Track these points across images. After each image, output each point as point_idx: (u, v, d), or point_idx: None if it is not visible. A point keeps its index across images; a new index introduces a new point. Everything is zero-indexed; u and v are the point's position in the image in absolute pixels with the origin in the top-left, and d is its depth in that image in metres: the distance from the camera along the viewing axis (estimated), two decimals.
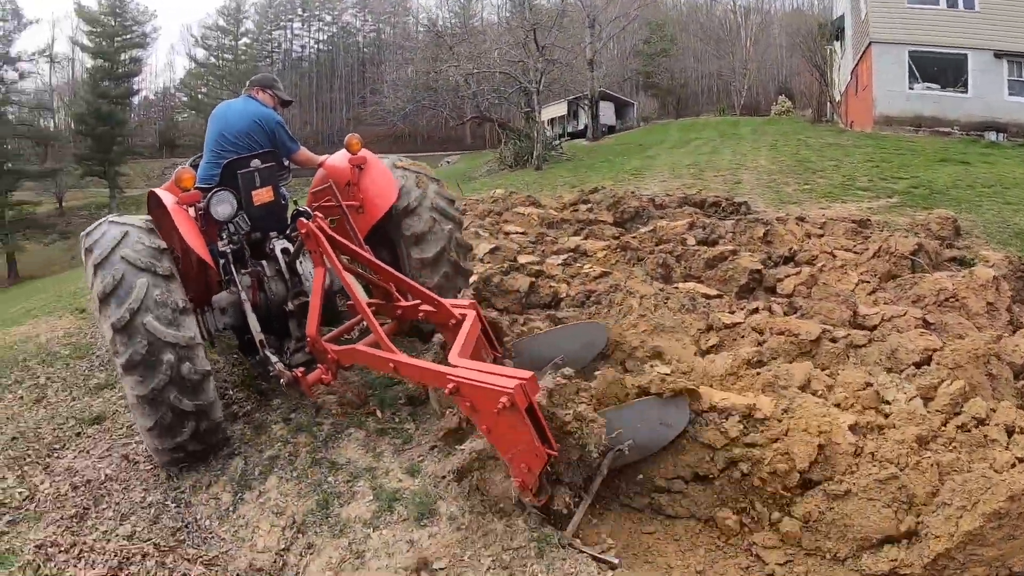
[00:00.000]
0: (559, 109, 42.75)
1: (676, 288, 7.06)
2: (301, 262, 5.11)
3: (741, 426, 4.28)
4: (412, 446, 4.90)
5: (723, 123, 39.48)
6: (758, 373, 5.03)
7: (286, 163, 5.35)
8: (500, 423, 3.31)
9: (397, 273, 4.71)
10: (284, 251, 5.03)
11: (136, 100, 63.44)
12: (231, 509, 4.53)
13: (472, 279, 7.03)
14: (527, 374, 3.37)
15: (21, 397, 7.03)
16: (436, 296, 4.48)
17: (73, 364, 7.65)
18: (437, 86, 27.12)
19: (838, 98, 35.32)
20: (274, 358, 4.58)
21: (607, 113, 43.10)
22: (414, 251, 5.48)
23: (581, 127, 40.94)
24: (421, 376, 3.89)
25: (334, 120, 76.43)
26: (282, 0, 79.03)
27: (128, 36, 55.04)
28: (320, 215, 4.81)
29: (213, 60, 70.72)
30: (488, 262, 7.81)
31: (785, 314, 6.42)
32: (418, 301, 4.58)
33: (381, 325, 4.49)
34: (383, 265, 4.75)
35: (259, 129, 5.12)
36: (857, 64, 29.54)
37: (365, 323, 4.63)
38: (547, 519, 3.85)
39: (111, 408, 6.18)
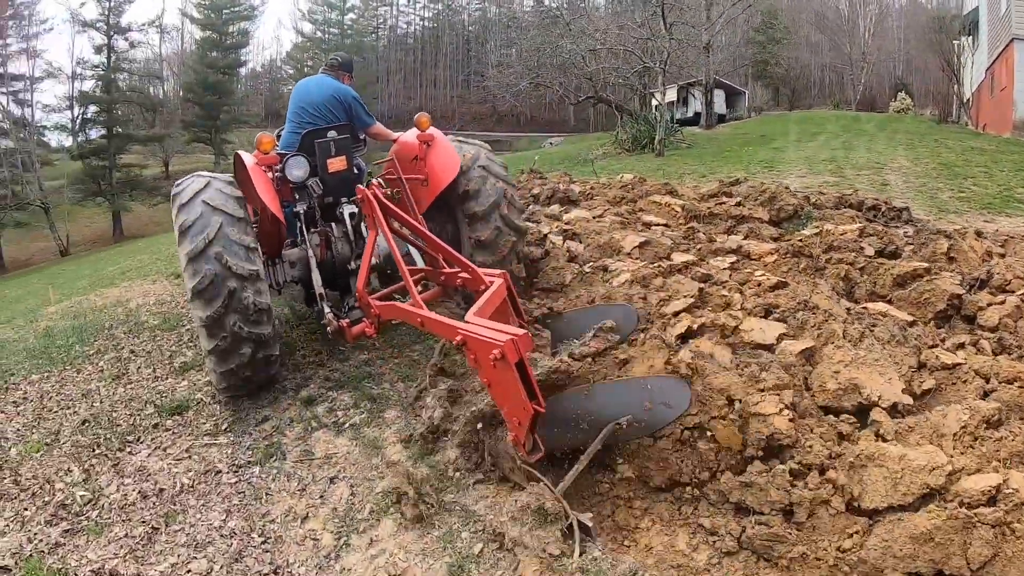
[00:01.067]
0: (669, 94, 40.48)
1: (865, 308, 5.84)
2: (366, 226, 5.25)
3: (999, 514, 3.20)
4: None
5: (842, 118, 36.57)
6: (1001, 438, 3.83)
7: (361, 136, 5.75)
8: (496, 376, 3.44)
9: (444, 244, 4.90)
10: (351, 215, 5.33)
11: (243, 71, 64.54)
12: (333, 557, 3.47)
13: (623, 277, 5.84)
14: (520, 331, 3.46)
15: (101, 370, 6.28)
16: (472, 265, 4.67)
17: (160, 337, 6.86)
18: (554, 62, 25.60)
19: (967, 97, 32.00)
20: (327, 309, 4.84)
21: (718, 101, 40.58)
22: (467, 206, 5.64)
23: (691, 114, 38.77)
24: (439, 330, 4.03)
25: (438, 97, 76.10)
26: None
27: (236, 8, 55.86)
28: (377, 183, 5.19)
29: (320, 34, 71.14)
30: (638, 258, 6.54)
31: (995, 353, 5.16)
32: (458, 269, 4.77)
33: (427, 289, 4.98)
34: (432, 236, 5.00)
35: (337, 103, 5.48)
36: (994, 62, 26.40)
37: (427, 285, 5.09)
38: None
39: (195, 396, 5.28)
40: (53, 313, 9.14)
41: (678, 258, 6.61)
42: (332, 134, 5.21)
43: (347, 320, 4.75)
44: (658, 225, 8.17)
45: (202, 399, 5.19)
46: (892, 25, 65.89)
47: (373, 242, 4.80)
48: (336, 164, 5.17)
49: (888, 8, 67.04)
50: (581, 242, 7.36)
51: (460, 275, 4.71)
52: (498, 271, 4.50)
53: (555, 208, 9.19)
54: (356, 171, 5.41)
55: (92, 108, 43.73)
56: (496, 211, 5.61)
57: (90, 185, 40.67)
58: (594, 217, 8.18)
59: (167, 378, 5.76)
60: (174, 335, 6.92)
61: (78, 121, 43.63)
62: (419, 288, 4.69)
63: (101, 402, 5.46)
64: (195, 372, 5.76)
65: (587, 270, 6.12)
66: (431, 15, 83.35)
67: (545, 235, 7.28)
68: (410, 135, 5.77)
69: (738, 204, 9.15)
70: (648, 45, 22.21)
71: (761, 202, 9.11)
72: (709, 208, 8.72)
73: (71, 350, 6.87)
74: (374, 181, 5.27)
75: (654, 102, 26.93)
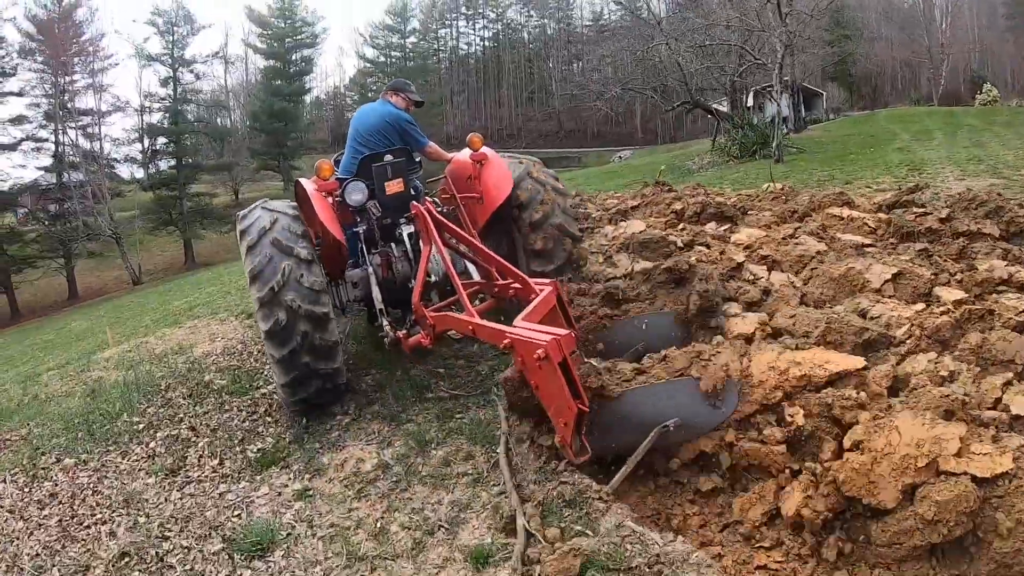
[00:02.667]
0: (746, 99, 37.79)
1: None
2: (422, 243, 5.27)
3: None
4: None
5: (935, 113, 33.29)
6: None
7: (417, 159, 5.77)
8: (541, 377, 3.42)
9: (497, 257, 4.89)
10: (410, 235, 5.37)
11: (308, 99, 64.51)
12: None
13: (901, 330, 3.90)
14: (563, 332, 3.48)
15: (152, 456, 4.68)
16: (524, 276, 4.63)
17: (228, 406, 5.23)
18: (645, 66, 23.52)
19: None
20: (386, 324, 4.88)
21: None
22: (523, 216, 5.69)
23: (768, 119, 36.20)
24: (489, 336, 3.97)
25: (502, 116, 75.26)
26: None
27: (298, 37, 55.91)
28: (430, 200, 5.51)
29: (382, 59, 70.03)
30: (892, 296, 4.54)
31: None
32: (511, 280, 4.77)
33: (482, 301, 5.05)
34: (486, 249, 5.00)
35: (389, 128, 5.54)
36: None
37: (482, 298, 5.16)
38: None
39: (282, 519, 3.51)
40: (108, 360, 7.84)
41: (946, 295, 4.61)
42: (388, 157, 5.30)
43: (404, 332, 4.80)
44: (866, 245, 6.18)
45: (292, 526, 3.41)
46: (966, 14, 62.11)
47: (427, 256, 4.90)
48: (393, 187, 5.25)
49: None
50: (783, 270, 5.44)
51: (512, 286, 4.73)
52: (548, 281, 4.44)
53: (712, 226, 7.27)
54: (413, 192, 5.44)
55: (160, 140, 43.97)
56: (559, 247, 5.65)
57: (161, 215, 40.66)
58: (784, 238, 6.20)
59: (239, 478, 4.04)
60: (246, 403, 5.26)
61: (148, 153, 43.84)
62: (475, 301, 4.82)
63: (148, 516, 3.79)
64: (277, 469, 4.03)
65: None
66: (491, 35, 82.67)
67: (741, 264, 5.40)
68: (463, 155, 5.88)
69: (948, 217, 7.06)
70: (758, 38, 19.98)
71: (985, 214, 7.00)
72: (926, 222, 6.66)
73: (117, 420, 5.35)
74: (428, 200, 5.48)
75: (749, 102, 24.72)
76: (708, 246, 6.15)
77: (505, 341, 3.61)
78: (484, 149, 5.75)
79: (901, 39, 60.96)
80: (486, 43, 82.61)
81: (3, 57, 36.46)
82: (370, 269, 5.24)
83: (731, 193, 9.85)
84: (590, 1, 78.86)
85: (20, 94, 37.35)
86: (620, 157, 49.08)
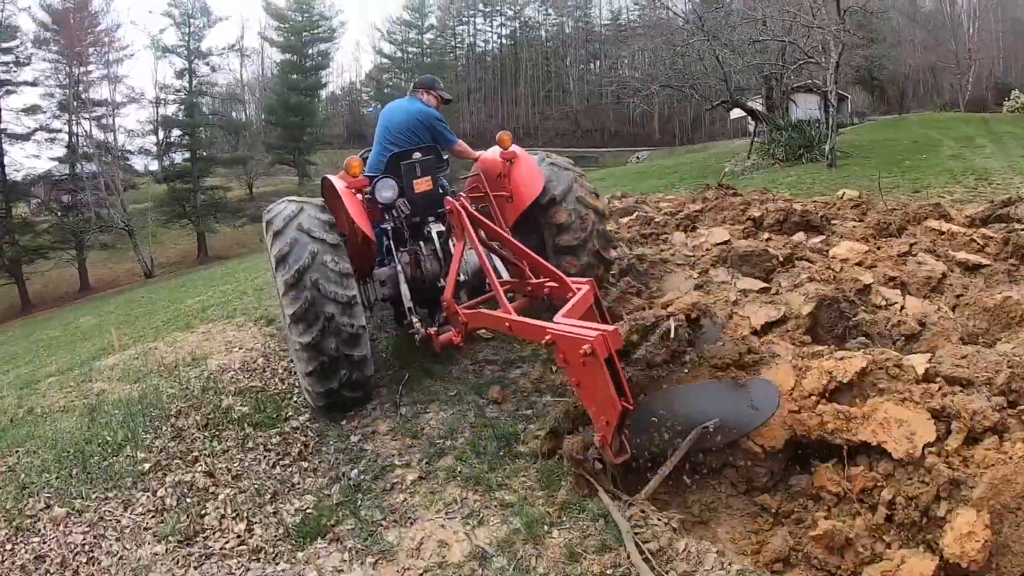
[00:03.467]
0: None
1: None
2: (454, 243, 5.27)
3: None
4: None
5: (969, 120, 32.32)
6: None
7: (445, 156, 5.78)
8: (585, 374, 3.32)
9: (531, 253, 4.81)
10: (439, 233, 5.37)
11: (324, 93, 63.91)
12: None
13: None
14: (610, 328, 3.36)
15: (160, 510, 3.80)
16: (560, 273, 4.56)
17: (252, 443, 4.36)
18: (680, 65, 22.55)
19: None
20: (416, 321, 4.89)
21: (814, 107, 36.92)
22: (559, 239, 5.62)
23: (793, 122, 35.18)
24: (527, 332, 3.92)
25: (519, 114, 74.19)
26: None
27: (315, 31, 55.19)
28: (464, 196, 5.29)
29: (399, 54, 69.72)
30: None
31: None
32: (545, 279, 4.73)
33: (514, 300, 4.81)
34: (520, 245, 4.92)
35: (420, 125, 5.56)
36: None
37: (512, 297, 4.92)
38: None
39: None
40: (112, 368, 6.98)
41: None
42: (417, 155, 5.31)
43: (434, 329, 4.79)
44: (982, 265, 5.29)
45: None
46: (991, 19, 61.11)
47: (461, 252, 4.87)
48: (422, 184, 5.26)
49: (988, 1, 62.43)
50: (911, 293, 4.56)
51: (547, 284, 4.68)
52: (585, 279, 4.37)
53: (802, 236, 6.39)
54: (441, 190, 5.43)
55: (175, 132, 43.48)
56: (587, 245, 5.57)
57: (175, 208, 40.12)
58: (900, 255, 5.32)
59: (276, 556, 3.13)
60: (274, 439, 4.40)
61: (162, 145, 43.34)
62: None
63: None
64: (325, 544, 3.13)
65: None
66: (508, 32, 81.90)
67: (868, 286, 4.52)
68: (492, 153, 5.82)
69: None
70: (803, 34, 18.99)
71: None
72: None
73: (119, 454, 4.48)
74: (461, 194, 5.34)
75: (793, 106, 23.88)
76: (810, 261, 5.27)
77: (546, 337, 3.48)
78: (514, 147, 5.70)
79: (925, 43, 59.94)
80: (503, 41, 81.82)
81: (17, 46, 35.96)
82: (399, 267, 5.23)
83: (797, 199, 8.95)
84: (609, 0, 78.30)
85: (34, 84, 36.88)
86: (638, 157, 48.28)
